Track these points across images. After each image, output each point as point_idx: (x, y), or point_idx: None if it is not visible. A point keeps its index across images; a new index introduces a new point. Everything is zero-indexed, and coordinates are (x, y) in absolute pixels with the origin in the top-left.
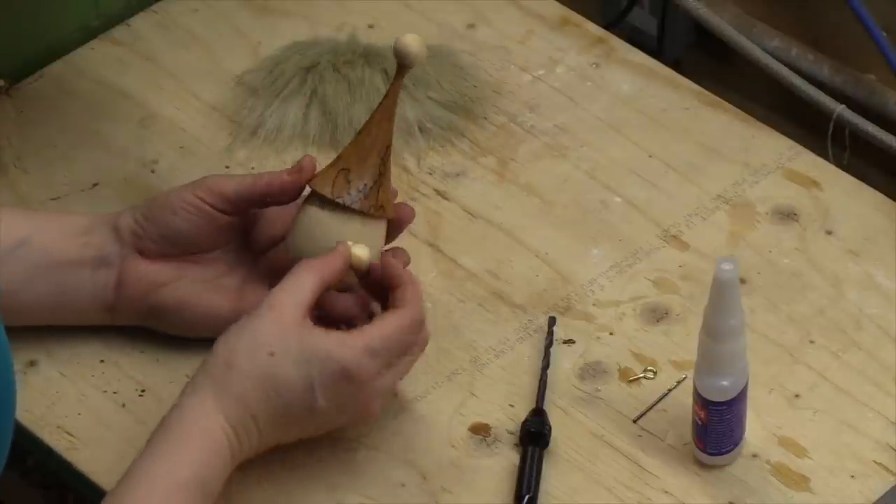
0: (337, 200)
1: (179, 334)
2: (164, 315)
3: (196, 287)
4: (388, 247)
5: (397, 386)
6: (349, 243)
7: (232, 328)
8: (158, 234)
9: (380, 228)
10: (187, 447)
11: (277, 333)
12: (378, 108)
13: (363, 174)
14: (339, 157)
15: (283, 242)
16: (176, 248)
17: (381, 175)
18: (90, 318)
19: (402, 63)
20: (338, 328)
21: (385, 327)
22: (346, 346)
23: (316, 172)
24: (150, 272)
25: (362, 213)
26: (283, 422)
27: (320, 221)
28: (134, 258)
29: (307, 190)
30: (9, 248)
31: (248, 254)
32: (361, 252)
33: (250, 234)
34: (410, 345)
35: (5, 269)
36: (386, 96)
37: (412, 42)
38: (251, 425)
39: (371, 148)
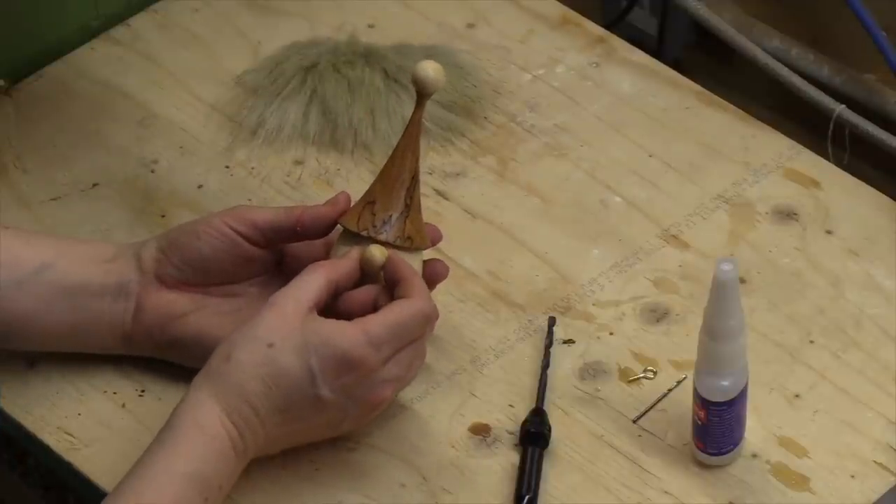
0: (362, 234)
1: (198, 367)
2: (182, 347)
3: (215, 319)
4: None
5: (403, 382)
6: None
7: (235, 328)
8: (180, 258)
9: (410, 260)
10: (184, 442)
11: (277, 326)
12: (401, 140)
13: (388, 207)
14: (366, 192)
15: None
16: (197, 275)
17: (408, 206)
18: (108, 347)
19: (421, 91)
20: None
21: (387, 315)
22: (345, 332)
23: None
24: (169, 301)
25: (388, 246)
26: (289, 417)
27: None
28: (154, 286)
29: (339, 229)
30: (32, 270)
31: (271, 289)
32: (375, 251)
33: (277, 271)
34: (416, 336)
35: (27, 291)
36: (408, 127)
37: (430, 69)
38: (253, 419)
39: (396, 180)
